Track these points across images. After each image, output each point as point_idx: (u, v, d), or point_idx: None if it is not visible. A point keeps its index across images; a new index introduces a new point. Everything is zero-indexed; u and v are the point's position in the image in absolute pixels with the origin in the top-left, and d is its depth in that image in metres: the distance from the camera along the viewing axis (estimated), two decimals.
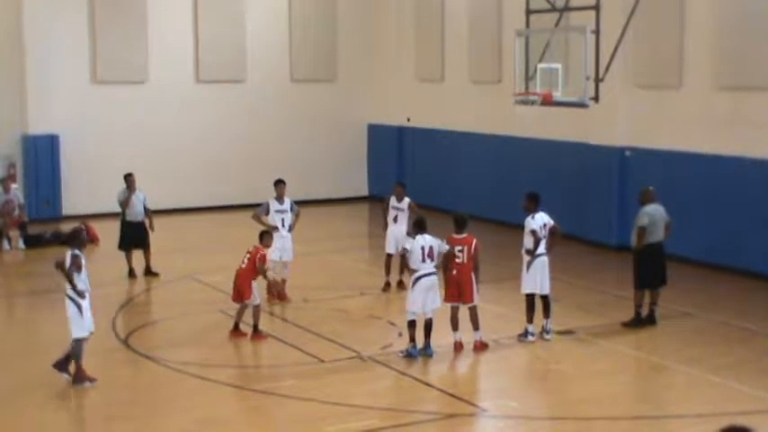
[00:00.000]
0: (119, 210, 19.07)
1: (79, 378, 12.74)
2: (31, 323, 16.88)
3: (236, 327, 14.93)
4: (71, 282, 12.57)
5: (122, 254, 18.86)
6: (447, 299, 13.99)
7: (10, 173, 23.92)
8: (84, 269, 12.64)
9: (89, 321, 12.80)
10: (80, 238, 13.01)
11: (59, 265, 12.76)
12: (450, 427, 11.70)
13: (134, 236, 18.82)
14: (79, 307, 12.63)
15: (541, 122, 21.76)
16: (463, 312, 13.98)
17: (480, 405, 12.08)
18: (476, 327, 14.02)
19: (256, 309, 14.88)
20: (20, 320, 17.24)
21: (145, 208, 18.91)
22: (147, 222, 18.88)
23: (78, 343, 12.76)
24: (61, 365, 12.82)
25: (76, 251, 12.72)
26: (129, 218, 18.72)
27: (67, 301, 12.69)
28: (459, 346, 13.96)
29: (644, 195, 15.59)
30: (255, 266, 14.84)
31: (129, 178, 19.04)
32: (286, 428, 11.51)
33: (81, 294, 12.65)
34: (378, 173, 28.60)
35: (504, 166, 24.08)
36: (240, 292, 14.88)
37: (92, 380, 12.78)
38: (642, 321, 15.25)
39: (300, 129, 27.83)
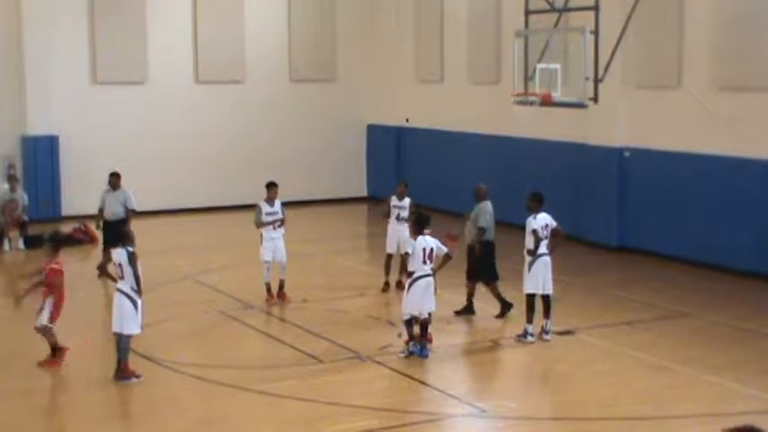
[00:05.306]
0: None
1: (125, 374, 12.76)
2: (31, 324, 16.84)
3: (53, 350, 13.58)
4: (137, 279, 12.62)
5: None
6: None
7: (10, 173, 23.89)
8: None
9: (142, 318, 12.92)
10: (132, 236, 13.08)
11: (102, 267, 12.90)
12: (449, 427, 11.71)
13: (110, 235, 18.06)
14: (135, 304, 12.69)
15: (540, 123, 21.78)
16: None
17: (479, 405, 12.07)
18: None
19: (45, 330, 13.56)
20: (19, 321, 17.21)
21: (126, 207, 18.73)
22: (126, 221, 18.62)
23: (129, 339, 12.80)
24: (122, 374, 12.75)
25: (130, 248, 12.80)
26: (105, 216, 18.66)
27: (122, 298, 12.67)
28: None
29: (480, 193, 15.98)
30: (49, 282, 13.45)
31: (113, 177, 18.93)
32: (285, 429, 11.49)
33: (140, 292, 12.73)
34: (377, 173, 28.60)
35: (502, 166, 24.06)
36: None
37: (137, 375, 12.81)
38: (470, 310, 15.73)
39: (300, 129, 27.83)
